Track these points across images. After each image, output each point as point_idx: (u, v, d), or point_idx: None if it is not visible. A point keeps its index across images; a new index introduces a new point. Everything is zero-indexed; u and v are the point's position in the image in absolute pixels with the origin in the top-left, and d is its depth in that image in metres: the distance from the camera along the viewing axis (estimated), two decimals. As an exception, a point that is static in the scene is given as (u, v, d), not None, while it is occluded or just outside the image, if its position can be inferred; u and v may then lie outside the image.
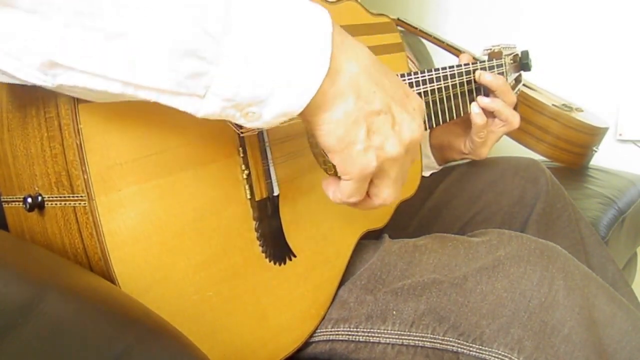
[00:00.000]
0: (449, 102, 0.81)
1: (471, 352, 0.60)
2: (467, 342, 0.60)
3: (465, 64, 0.83)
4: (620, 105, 1.83)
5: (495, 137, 0.85)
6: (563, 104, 1.56)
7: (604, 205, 1.28)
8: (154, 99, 0.40)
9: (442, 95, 0.80)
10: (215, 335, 0.53)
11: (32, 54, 0.37)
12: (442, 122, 0.81)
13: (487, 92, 0.84)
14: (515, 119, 0.83)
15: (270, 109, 0.42)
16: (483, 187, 0.91)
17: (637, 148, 1.84)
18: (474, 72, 0.84)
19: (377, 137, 0.47)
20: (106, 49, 0.37)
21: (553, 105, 1.50)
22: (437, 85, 0.78)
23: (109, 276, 0.46)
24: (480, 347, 0.60)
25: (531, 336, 0.58)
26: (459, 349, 0.60)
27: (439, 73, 0.78)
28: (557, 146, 1.50)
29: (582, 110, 1.60)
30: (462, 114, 0.83)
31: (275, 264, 0.59)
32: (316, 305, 0.64)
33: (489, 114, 0.84)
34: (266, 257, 0.58)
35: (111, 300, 0.41)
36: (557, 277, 0.60)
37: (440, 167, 0.98)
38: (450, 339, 0.61)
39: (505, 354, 0.59)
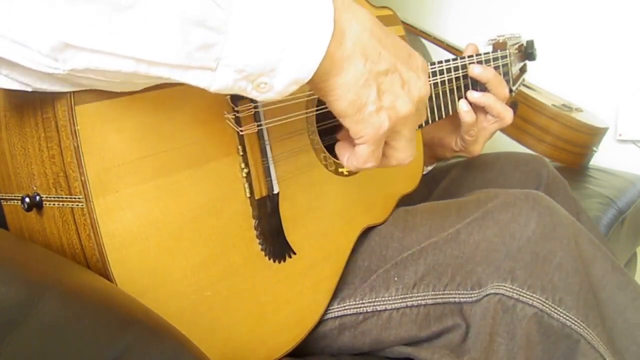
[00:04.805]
0: (438, 100, 0.77)
1: (472, 298, 0.63)
2: (466, 290, 0.64)
3: (461, 58, 0.80)
4: (620, 105, 1.83)
5: (487, 133, 0.81)
6: (563, 104, 1.56)
7: (604, 205, 1.28)
8: (166, 75, 0.40)
9: (437, 90, 0.77)
10: (214, 334, 0.53)
11: (41, 38, 0.36)
12: (432, 121, 0.77)
13: (482, 87, 0.80)
14: (507, 114, 0.79)
15: (281, 78, 0.42)
16: (483, 184, 0.92)
17: (637, 148, 1.84)
18: (469, 66, 0.80)
19: (388, 97, 0.47)
20: (116, 23, 0.37)
21: (553, 105, 1.50)
22: (433, 80, 0.76)
23: (107, 277, 0.46)
24: (479, 291, 0.63)
25: (522, 267, 0.61)
26: (460, 299, 0.64)
27: (434, 68, 0.76)
28: (557, 146, 1.50)
29: (582, 110, 1.60)
30: (451, 112, 0.79)
31: (274, 262, 0.58)
32: (315, 303, 0.64)
33: (481, 109, 0.80)
34: (265, 255, 0.58)
35: (111, 300, 0.41)
36: (544, 214, 0.64)
37: (431, 168, 0.96)
38: (451, 292, 0.64)
39: (499, 284, 0.61)
